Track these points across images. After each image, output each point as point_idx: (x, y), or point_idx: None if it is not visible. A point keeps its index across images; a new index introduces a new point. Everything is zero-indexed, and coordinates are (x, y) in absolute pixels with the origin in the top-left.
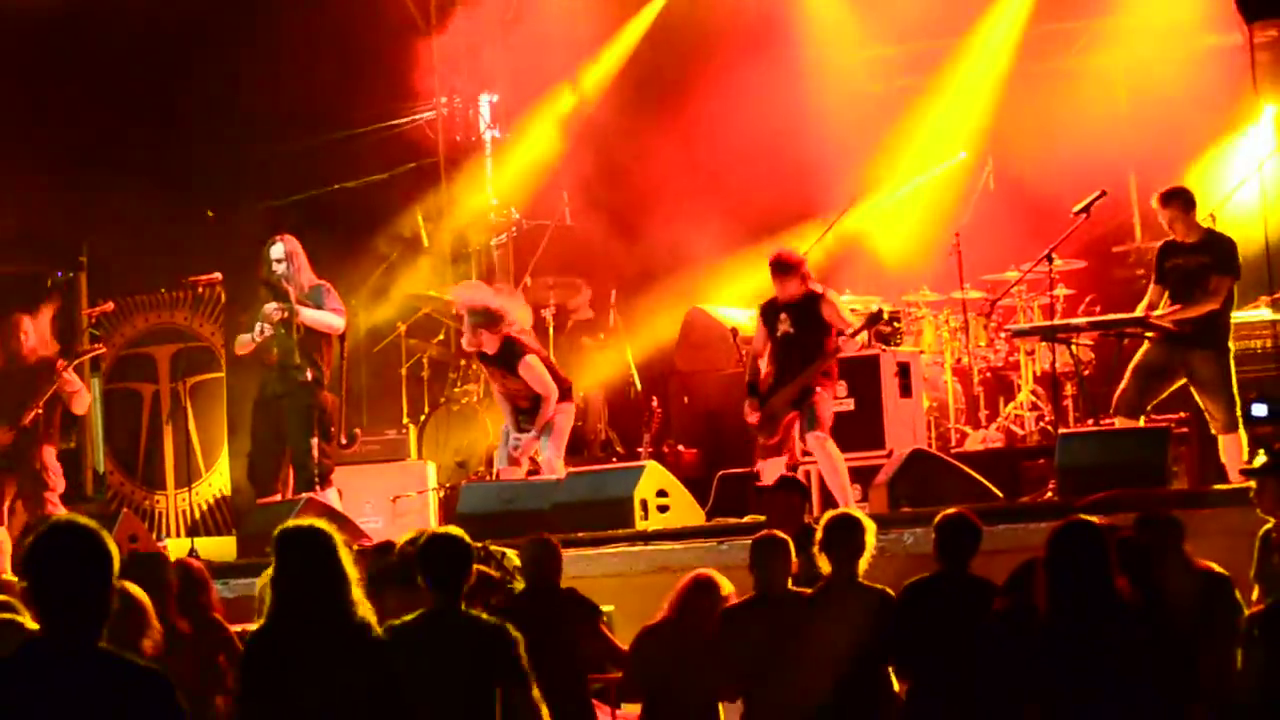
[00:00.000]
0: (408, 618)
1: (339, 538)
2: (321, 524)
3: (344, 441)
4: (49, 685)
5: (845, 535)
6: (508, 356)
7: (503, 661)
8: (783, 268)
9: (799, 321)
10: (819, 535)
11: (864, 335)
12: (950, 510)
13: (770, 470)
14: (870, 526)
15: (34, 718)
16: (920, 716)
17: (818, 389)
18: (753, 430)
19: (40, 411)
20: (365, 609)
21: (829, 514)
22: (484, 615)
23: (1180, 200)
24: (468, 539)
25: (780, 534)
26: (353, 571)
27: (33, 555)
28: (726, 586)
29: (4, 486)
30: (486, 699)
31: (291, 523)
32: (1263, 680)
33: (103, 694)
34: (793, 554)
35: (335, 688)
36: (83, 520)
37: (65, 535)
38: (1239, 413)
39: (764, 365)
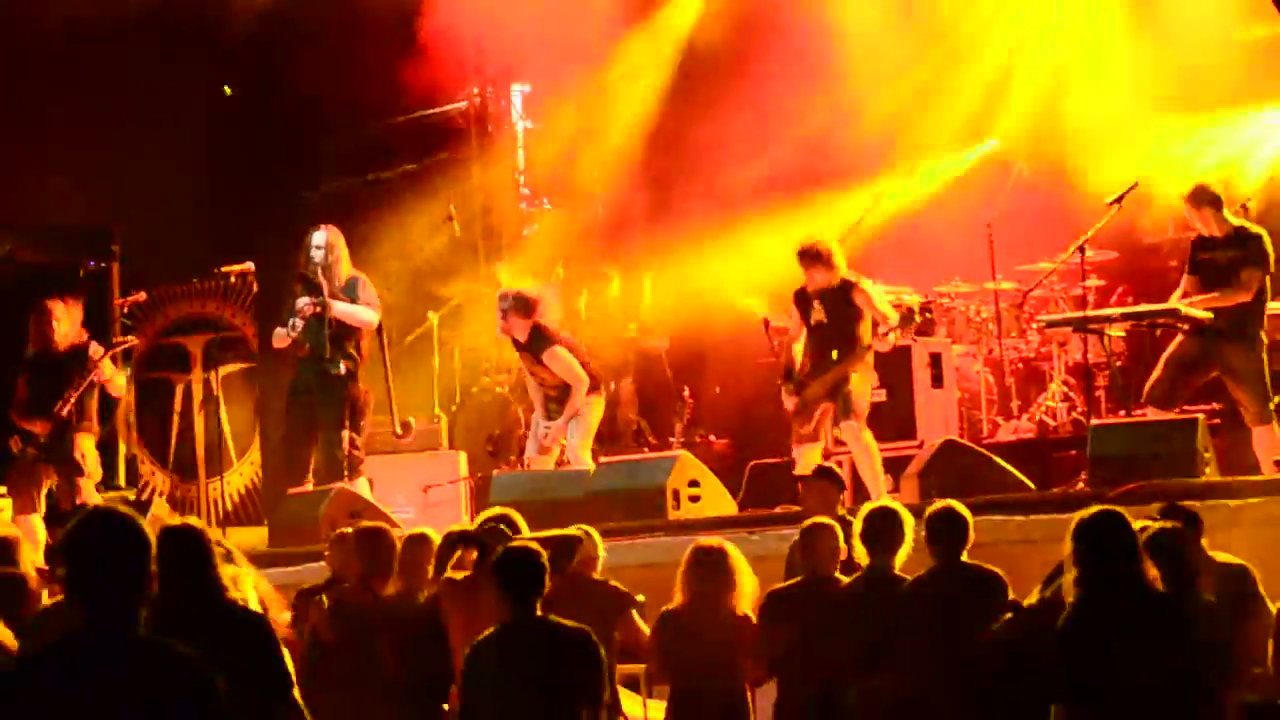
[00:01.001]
0: (486, 632)
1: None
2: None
3: (399, 432)
4: (89, 675)
5: (886, 527)
6: (536, 344)
7: (585, 677)
8: (810, 256)
9: (832, 310)
10: (858, 526)
11: (896, 335)
12: (936, 505)
13: (805, 457)
14: (909, 519)
15: (76, 708)
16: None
17: (853, 376)
18: (789, 417)
19: (75, 400)
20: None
21: (869, 505)
22: (565, 622)
23: (1206, 199)
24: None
25: (829, 520)
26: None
27: (70, 544)
28: (730, 551)
29: (41, 474)
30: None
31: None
32: None
33: (144, 682)
34: (841, 541)
35: None
36: (120, 509)
37: (103, 524)
38: (1272, 405)
39: (799, 352)
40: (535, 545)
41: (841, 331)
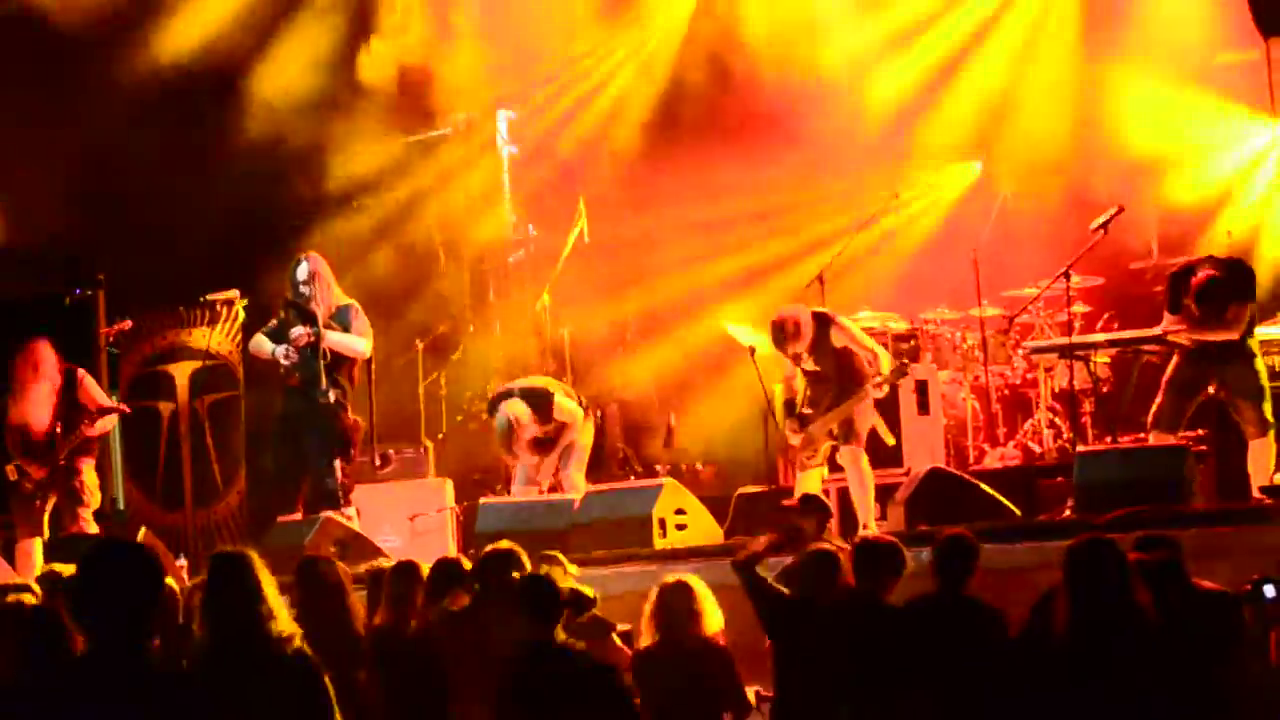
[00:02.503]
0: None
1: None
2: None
3: (378, 463)
4: (95, 703)
5: (880, 558)
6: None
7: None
8: (779, 338)
9: (819, 357)
10: (854, 554)
11: (887, 388)
12: (950, 531)
13: (806, 482)
14: (905, 553)
15: None
16: None
17: (856, 391)
18: (794, 451)
19: (66, 432)
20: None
21: (865, 535)
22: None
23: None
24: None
25: (832, 548)
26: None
27: (77, 576)
28: (696, 586)
29: (47, 496)
30: None
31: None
32: None
33: (148, 710)
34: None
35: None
36: (126, 541)
37: (112, 555)
38: (1271, 415)
39: (799, 386)
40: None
41: (834, 374)
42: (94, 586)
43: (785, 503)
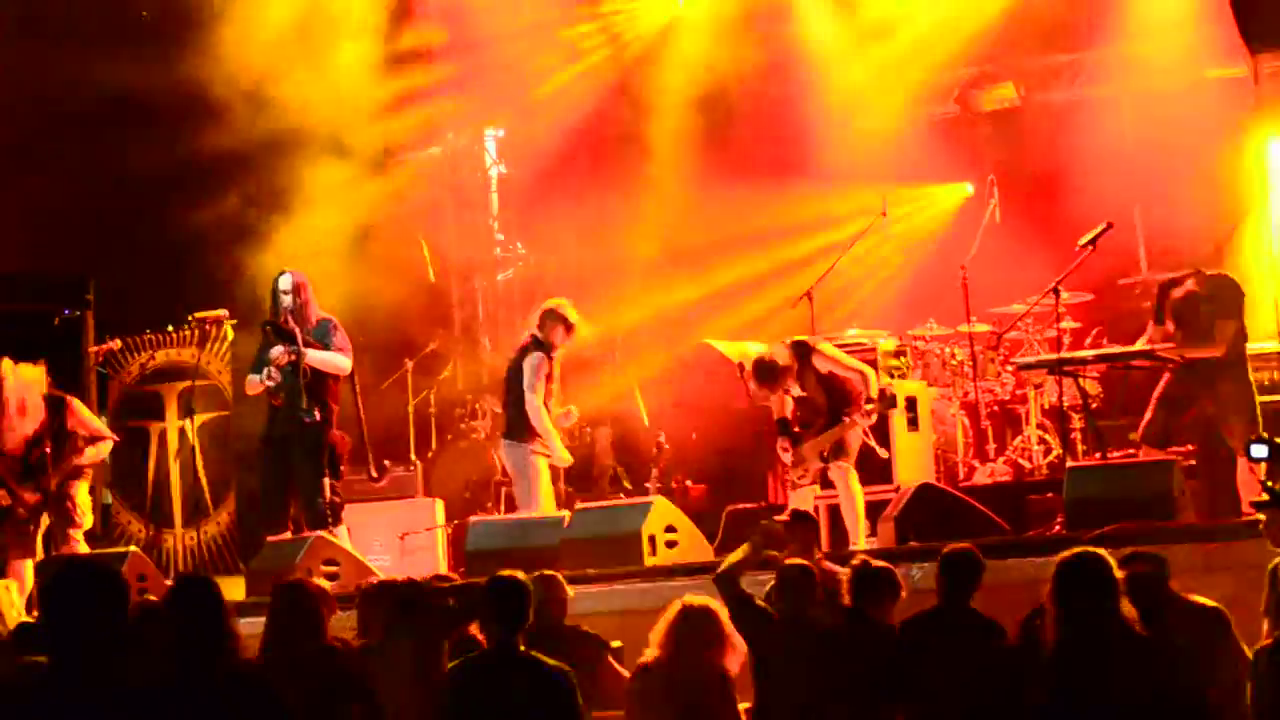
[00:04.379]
0: (472, 655)
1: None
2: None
3: (374, 475)
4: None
5: (878, 584)
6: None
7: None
8: (762, 381)
9: (805, 385)
10: (849, 576)
11: (876, 415)
12: (954, 545)
13: (799, 499)
14: (898, 579)
15: None
16: None
17: (845, 419)
18: (787, 469)
19: (56, 460)
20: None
21: (862, 560)
22: (544, 658)
23: None
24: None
25: (808, 564)
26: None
27: (44, 594)
28: (723, 616)
29: (39, 519)
30: None
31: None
32: (1273, 715)
33: None
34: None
35: None
36: (93, 560)
37: (75, 575)
38: (1261, 430)
39: (789, 403)
40: (523, 577)
41: (826, 398)
42: (57, 606)
43: (776, 518)
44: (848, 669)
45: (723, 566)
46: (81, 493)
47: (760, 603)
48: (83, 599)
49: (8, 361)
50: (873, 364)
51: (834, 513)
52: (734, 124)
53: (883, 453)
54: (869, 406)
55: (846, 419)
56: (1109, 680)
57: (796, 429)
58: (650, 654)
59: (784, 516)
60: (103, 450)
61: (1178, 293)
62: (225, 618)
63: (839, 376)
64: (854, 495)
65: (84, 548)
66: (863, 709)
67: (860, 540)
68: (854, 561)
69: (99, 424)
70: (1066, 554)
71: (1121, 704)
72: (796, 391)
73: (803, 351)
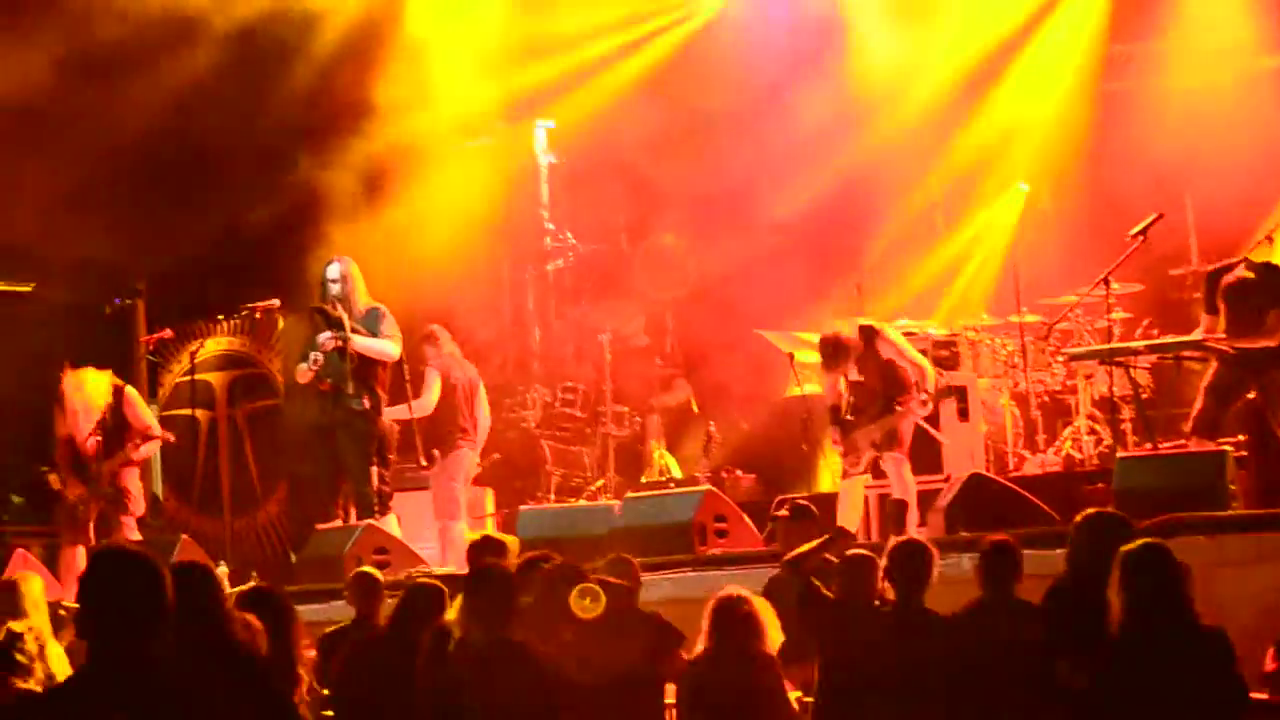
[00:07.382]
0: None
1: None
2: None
3: (424, 462)
4: (98, 712)
5: (913, 561)
6: None
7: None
8: (827, 358)
9: (865, 369)
10: (884, 562)
11: (931, 405)
12: (993, 536)
13: (850, 490)
14: (935, 554)
15: None
16: None
17: (898, 408)
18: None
19: (111, 452)
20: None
21: (894, 541)
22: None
23: None
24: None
25: (869, 553)
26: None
27: (81, 582)
28: (758, 602)
29: (91, 506)
30: None
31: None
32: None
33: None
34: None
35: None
36: (131, 547)
37: (113, 562)
38: None
39: (843, 389)
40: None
41: (879, 385)
42: (94, 594)
43: (774, 511)
44: (905, 655)
45: (796, 551)
46: (133, 480)
47: (825, 590)
48: (119, 586)
49: (76, 376)
50: (923, 354)
51: (884, 503)
52: (785, 114)
53: (941, 438)
54: (925, 397)
55: (900, 407)
56: (1172, 671)
57: (848, 416)
58: (698, 648)
59: (784, 511)
60: (153, 448)
61: (1228, 280)
62: (221, 604)
63: (898, 365)
64: (906, 484)
65: (136, 534)
66: (918, 693)
67: (911, 531)
68: (889, 544)
69: (152, 420)
70: (1131, 545)
71: (1181, 694)
72: (854, 375)
73: (869, 335)
